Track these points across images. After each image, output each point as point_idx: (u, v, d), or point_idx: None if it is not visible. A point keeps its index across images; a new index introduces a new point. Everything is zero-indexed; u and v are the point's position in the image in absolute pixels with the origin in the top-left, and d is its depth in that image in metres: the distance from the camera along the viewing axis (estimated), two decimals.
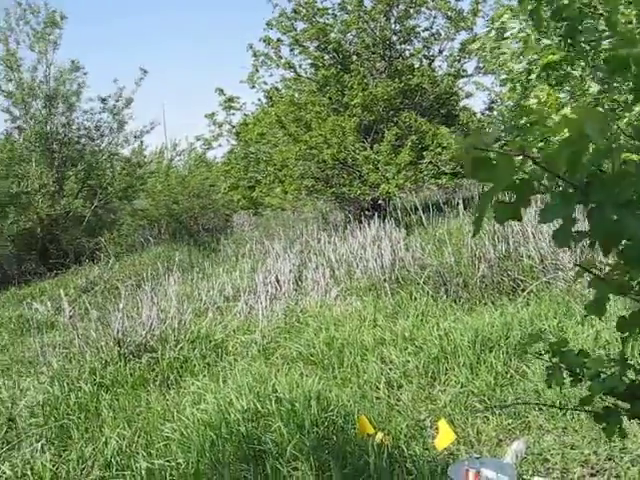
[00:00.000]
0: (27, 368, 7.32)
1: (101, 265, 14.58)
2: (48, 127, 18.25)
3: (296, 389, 4.78)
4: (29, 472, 4.09)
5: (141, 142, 21.17)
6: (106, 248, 16.22)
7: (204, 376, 5.73)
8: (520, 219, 1.00)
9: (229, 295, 8.90)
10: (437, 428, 4.39)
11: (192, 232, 19.38)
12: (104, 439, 4.58)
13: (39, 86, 18.12)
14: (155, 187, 20.75)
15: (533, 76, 4.20)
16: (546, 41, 3.36)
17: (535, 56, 3.95)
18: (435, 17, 15.44)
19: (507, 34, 4.24)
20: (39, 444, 4.42)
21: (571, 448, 4.15)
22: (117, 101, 19.20)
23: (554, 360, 1.85)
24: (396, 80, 14.56)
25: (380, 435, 4.29)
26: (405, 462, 4.09)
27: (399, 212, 11.18)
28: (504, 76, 7.03)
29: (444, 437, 4.11)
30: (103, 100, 19.04)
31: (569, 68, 3.64)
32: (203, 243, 17.38)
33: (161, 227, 19.45)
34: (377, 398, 5.13)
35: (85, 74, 18.71)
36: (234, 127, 16.68)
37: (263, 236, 13.90)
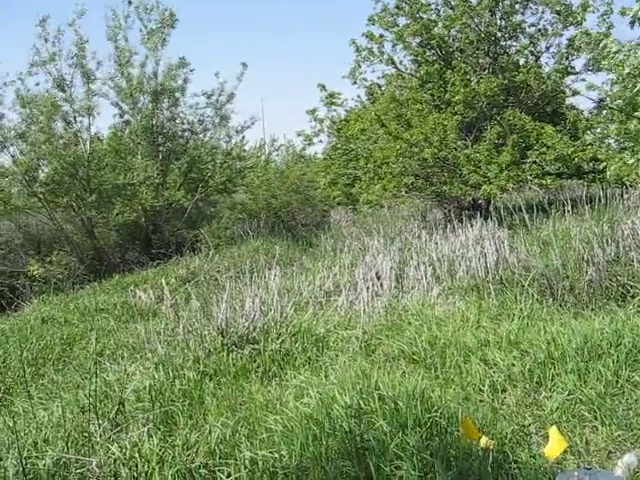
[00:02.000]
0: (131, 353, 7.52)
1: (201, 256, 14.90)
2: (154, 121, 18.80)
3: (399, 387, 4.72)
4: (137, 455, 4.17)
5: (243, 137, 21.55)
6: (206, 240, 16.56)
7: (306, 370, 5.75)
8: None
9: (329, 290, 8.92)
10: (548, 435, 4.25)
11: (290, 227, 19.56)
12: (208, 427, 4.64)
13: (147, 82, 18.67)
14: (253, 182, 21.06)
15: None
16: None
17: None
18: (543, 12, 15.02)
19: None
20: (146, 428, 4.51)
21: None
22: (220, 96, 19.62)
23: None
24: (500, 76, 14.25)
25: (484, 439, 4.18)
26: (510, 468, 3.96)
27: (501, 212, 10.92)
28: (627, 70, 6.75)
29: (556, 445, 3.97)
30: (207, 95, 19.50)
31: None
32: (301, 238, 17.50)
33: (260, 221, 19.72)
34: (480, 401, 5.01)
35: (192, 71, 19.20)
36: (335, 123, 16.70)
37: (361, 232, 13.86)
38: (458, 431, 4.31)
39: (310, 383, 5.19)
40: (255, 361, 6.09)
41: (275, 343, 6.24)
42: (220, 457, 4.23)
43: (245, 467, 4.03)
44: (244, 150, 22.63)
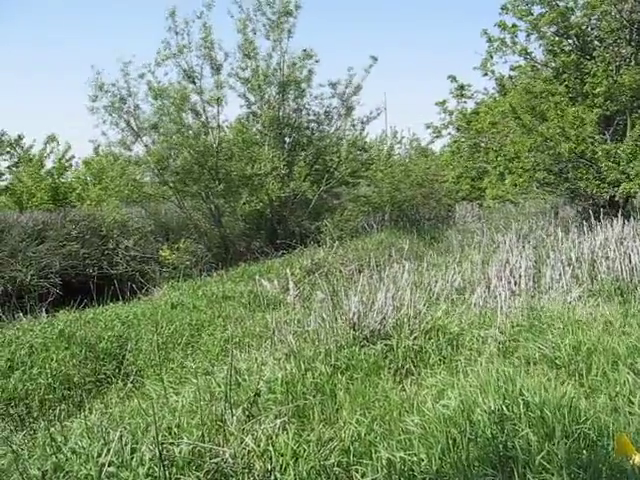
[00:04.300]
0: (259, 342, 7.52)
1: (325, 248, 14.87)
2: (280, 112, 18.97)
3: (544, 394, 4.42)
4: (270, 448, 4.09)
5: (363, 128, 21.41)
6: (330, 231, 16.55)
7: (442, 370, 5.52)
8: None
9: (460, 287, 8.63)
10: None
11: (414, 221, 19.30)
12: (342, 423, 4.52)
13: (273, 73, 18.87)
14: (376, 174, 20.90)
15: None
16: None
17: None
18: None
19: None
20: (279, 421, 4.43)
21: None
22: (346, 87, 19.55)
23: None
24: None
25: (639, 456, 3.85)
26: None
27: None
28: None
29: None
30: (333, 86, 19.47)
31: None
32: (425, 232, 17.23)
33: (384, 214, 19.54)
34: (630, 413, 4.63)
35: (317, 62, 19.22)
36: (465, 115, 16.28)
37: (492, 228, 13.45)
38: (609, 445, 4.00)
39: (448, 383, 4.98)
40: (387, 357, 5.92)
41: (408, 340, 6.04)
42: (354, 456, 4.09)
43: (382, 468, 3.88)
44: (365, 142, 22.52)
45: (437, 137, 17.09)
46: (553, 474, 3.68)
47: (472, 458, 3.90)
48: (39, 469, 3.94)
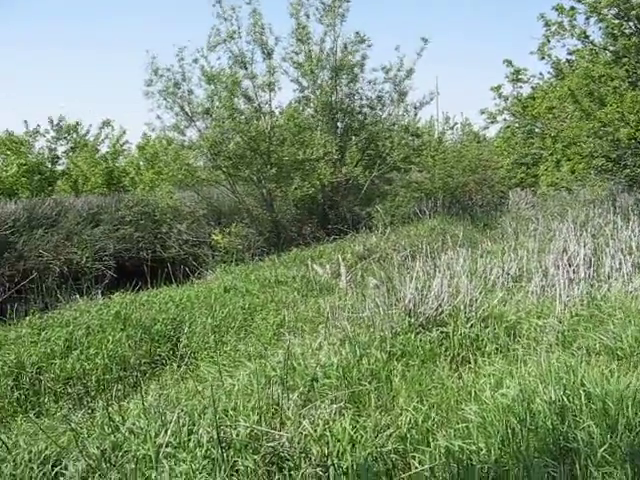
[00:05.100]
0: (312, 327, 7.51)
1: (377, 234, 14.79)
2: (333, 97, 18.87)
3: (607, 385, 4.32)
4: (327, 433, 4.08)
5: (415, 114, 21.15)
6: (382, 217, 16.45)
7: (500, 358, 5.44)
8: None
9: (515, 275, 8.49)
10: None
11: (466, 207, 19.06)
12: (398, 410, 4.48)
13: (326, 58, 18.76)
14: (427, 160, 20.66)
15: None
16: None
17: None
18: None
19: None
20: (335, 406, 4.42)
21: None
22: (398, 71, 19.34)
23: None
24: None
25: None
26: None
27: None
28: None
29: None
30: (386, 71, 19.27)
31: None
32: (478, 219, 17.01)
33: (437, 200, 19.32)
34: None
35: (369, 46, 19.03)
36: (520, 101, 15.95)
37: (547, 216, 13.20)
38: None
39: (506, 372, 4.90)
40: (442, 345, 5.86)
41: (464, 327, 5.97)
42: (411, 443, 4.06)
43: (440, 456, 3.83)
44: (417, 128, 22.27)
45: (492, 123, 16.72)
46: (616, 467, 3.61)
47: (532, 449, 3.84)
48: (98, 448, 4.00)
